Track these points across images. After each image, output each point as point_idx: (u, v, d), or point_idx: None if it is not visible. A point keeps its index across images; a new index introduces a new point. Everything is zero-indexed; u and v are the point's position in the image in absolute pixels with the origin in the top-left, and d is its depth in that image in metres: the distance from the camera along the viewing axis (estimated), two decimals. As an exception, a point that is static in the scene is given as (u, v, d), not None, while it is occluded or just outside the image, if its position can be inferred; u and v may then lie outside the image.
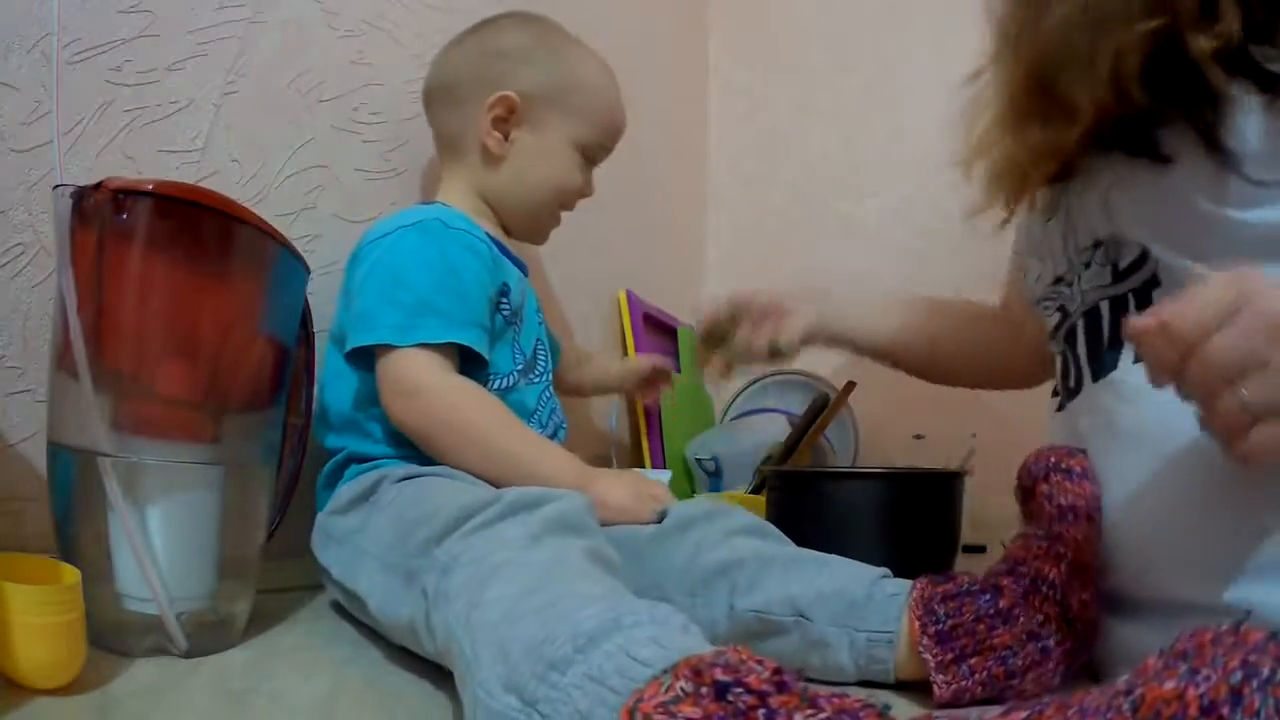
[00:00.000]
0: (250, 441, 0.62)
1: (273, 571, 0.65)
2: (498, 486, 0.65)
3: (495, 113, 0.79)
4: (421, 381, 0.67)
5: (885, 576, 0.60)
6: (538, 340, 0.84)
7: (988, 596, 0.54)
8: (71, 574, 0.49)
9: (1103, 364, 0.58)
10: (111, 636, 0.53)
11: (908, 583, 0.58)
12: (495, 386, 0.76)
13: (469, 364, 0.72)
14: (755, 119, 1.64)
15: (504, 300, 0.77)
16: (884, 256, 1.45)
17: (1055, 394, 0.65)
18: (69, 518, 0.55)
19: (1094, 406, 0.58)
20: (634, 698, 0.34)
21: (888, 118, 1.50)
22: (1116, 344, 0.57)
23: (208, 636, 0.56)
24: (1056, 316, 0.64)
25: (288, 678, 0.54)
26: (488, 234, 0.78)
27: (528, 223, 0.85)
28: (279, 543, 0.69)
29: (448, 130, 0.84)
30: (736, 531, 0.65)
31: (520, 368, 0.79)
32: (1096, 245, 0.59)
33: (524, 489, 0.55)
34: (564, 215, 0.88)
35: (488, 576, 0.46)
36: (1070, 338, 0.62)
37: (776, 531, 0.68)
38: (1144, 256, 0.56)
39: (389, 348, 0.68)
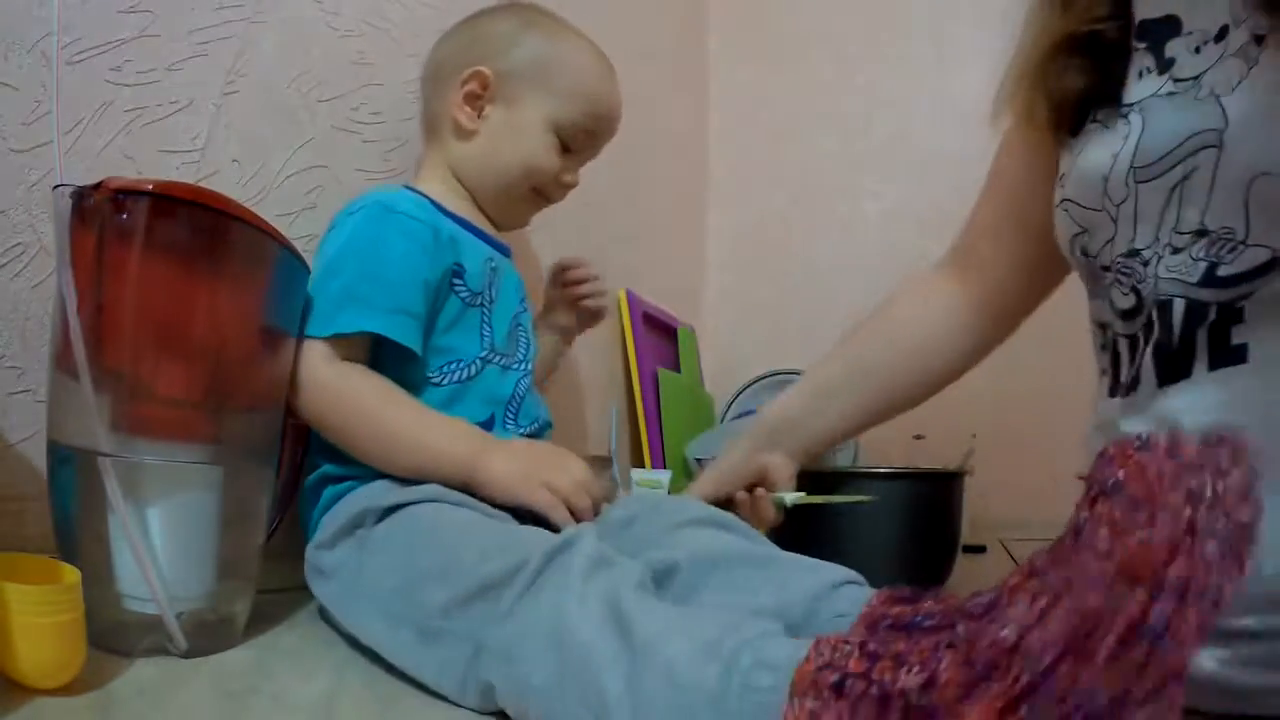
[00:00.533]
0: (250, 441, 0.62)
1: (273, 571, 0.65)
2: (390, 464, 0.65)
3: (469, 88, 0.78)
4: (306, 376, 0.66)
5: (847, 583, 0.56)
6: (517, 325, 0.81)
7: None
8: (71, 574, 0.49)
9: (1168, 371, 0.53)
10: (111, 636, 0.53)
11: (867, 596, 0.53)
12: (456, 376, 0.73)
13: (398, 350, 0.69)
14: (755, 119, 1.64)
15: (458, 281, 0.74)
16: (884, 256, 1.45)
17: (1103, 373, 0.60)
18: (69, 518, 0.55)
19: (1155, 413, 0.53)
20: (797, 674, 0.39)
21: (888, 118, 1.50)
22: (1189, 351, 0.52)
23: (208, 636, 0.56)
24: (1131, 299, 0.57)
25: (288, 678, 0.54)
26: (452, 213, 0.77)
27: (499, 203, 0.82)
28: (279, 543, 0.69)
29: (428, 112, 0.83)
30: (685, 524, 0.63)
31: (485, 353, 0.76)
32: (1201, 234, 0.51)
33: (547, 539, 0.53)
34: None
35: (609, 616, 0.46)
36: (1146, 329, 0.56)
37: (732, 519, 0.65)
38: (1266, 268, 0.48)
39: (302, 341, 0.66)
